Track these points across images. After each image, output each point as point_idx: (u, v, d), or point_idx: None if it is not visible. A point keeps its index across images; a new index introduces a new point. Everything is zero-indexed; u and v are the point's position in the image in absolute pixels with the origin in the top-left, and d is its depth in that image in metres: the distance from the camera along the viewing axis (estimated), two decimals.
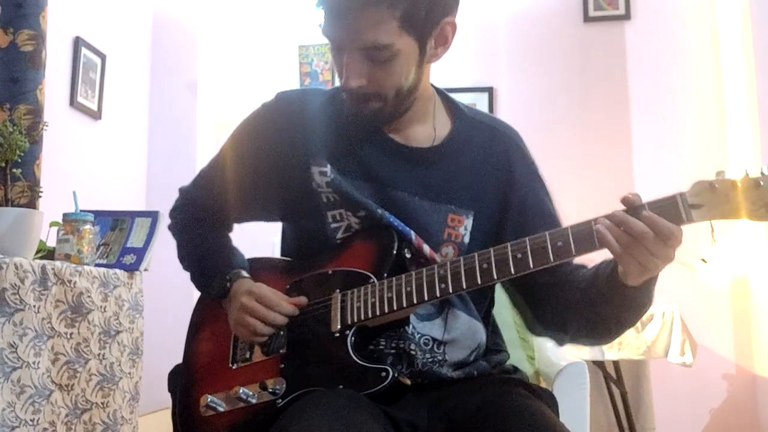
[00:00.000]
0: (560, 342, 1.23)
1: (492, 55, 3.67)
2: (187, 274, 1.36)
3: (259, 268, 1.30)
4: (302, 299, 1.18)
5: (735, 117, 3.44)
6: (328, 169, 1.21)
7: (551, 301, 1.17)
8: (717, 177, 0.94)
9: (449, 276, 1.06)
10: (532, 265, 1.00)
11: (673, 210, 0.94)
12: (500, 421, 1.03)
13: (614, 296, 1.05)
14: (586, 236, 0.98)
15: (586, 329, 1.15)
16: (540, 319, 1.23)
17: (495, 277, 1.03)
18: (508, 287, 1.26)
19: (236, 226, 1.41)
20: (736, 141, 3.43)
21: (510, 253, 1.02)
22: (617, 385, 3.14)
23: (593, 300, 1.08)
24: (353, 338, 1.11)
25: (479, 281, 1.04)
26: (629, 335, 2.89)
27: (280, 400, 1.12)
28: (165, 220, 1.44)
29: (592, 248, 0.98)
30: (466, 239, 1.19)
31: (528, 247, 1.01)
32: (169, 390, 1.30)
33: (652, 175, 3.50)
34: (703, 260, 3.38)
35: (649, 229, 0.93)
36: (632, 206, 0.96)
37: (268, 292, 1.18)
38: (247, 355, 1.20)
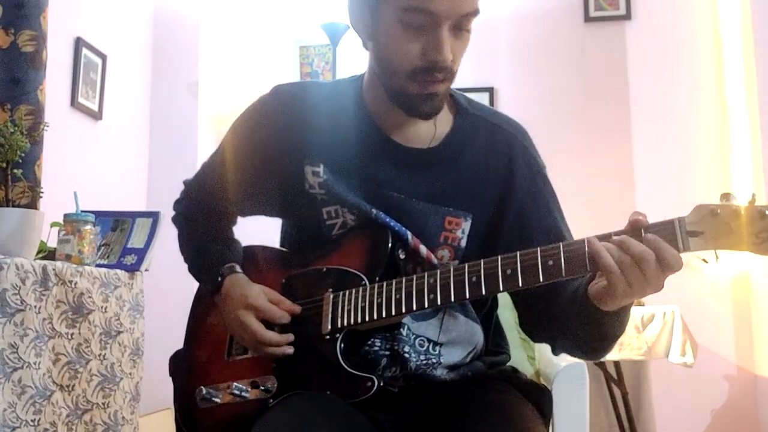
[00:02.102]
0: (553, 351, 1.21)
1: (492, 55, 3.67)
2: (187, 274, 1.37)
3: (255, 259, 1.29)
4: (296, 308, 1.17)
5: (736, 116, 3.43)
6: (321, 169, 1.19)
7: (541, 312, 1.15)
8: (721, 201, 0.89)
9: (438, 287, 1.04)
10: (521, 283, 0.97)
11: (669, 236, 0.90)
12: (463, 419, 1.04)
13: (587, 319, 1.02)
14: (578, 258, 0.94)
15: (569, 345, 1.14)
16: (531, 326, 1.21)
17: (483, 292, 1.01)
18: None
19: (240, 219, 1.41)
20: (738, 140, 3.42)
21: (500, 268, 0.99)
22: (618, 386, 3.14)
23: (571, 319, 1.06)
24: (342, 344, 1.10)
25: (467, 295, 1.02)
26: (630, 336, 2.89)
27: (271, 400, 1.12)
28: (166, 221, 1.45)
29: (583, 271, 0.95)
30: (463, 242, 1.16)
31: (518, 263, 0.98)
32: (170, 374, 1.31)
33: (653, 175, 3.50)
34: (704, 260, 3.37)
35: (651, 252, 0.90)
36: (637, 227, 0.92)
37: (265, 306, 1.16)
38: (242, 350, 1.20)
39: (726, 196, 0.89)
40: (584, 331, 1.04)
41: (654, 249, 0.90)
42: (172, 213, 1.43)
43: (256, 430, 1.03)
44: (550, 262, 0.96)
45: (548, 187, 1.22)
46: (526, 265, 0.97)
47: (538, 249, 0.97)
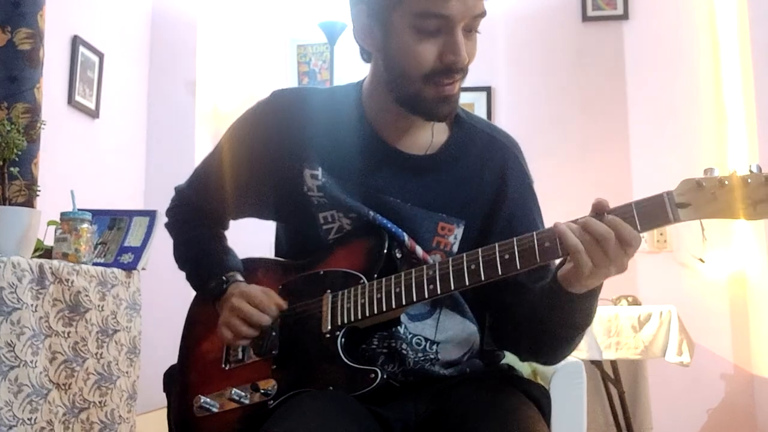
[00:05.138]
0: (519, 356, 1.22)
1: (490, 55, 3.67)
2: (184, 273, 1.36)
3: (253, 268, 1.30)
4: (282, 303, 1.18)
5: (733, 116, 3.44)
6: (319, 172, 1.19)
7: (507, 322, 1.17)
8: (704, 175, 0.93)
9: (437, 277, 1.05)
10: (519, 266, 1.00)
11: (660, 209, 0.94)
12: (469, 421, 1.05)
13: (555, 305, 1.04)
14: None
15: (532, 346, 1.16)
16: (494, 338, 1.23)
17: (483, 278, 1.02)
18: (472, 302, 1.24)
19: (234, 224, 1.41)
20: (735, 140, 3.43)
21: (498, 254, 1.01)
22: (615, 385, 3.14)
23: (539, 311, 1.08)
24: (343, 340, 1.11)
25: (467, 282, 1.03)
26: (627, 335, 2.89)
27: (272, 402, 1.12)
28: (163, 219, 1.45)
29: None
30: (455, 248, 1.18)
31: (515, 248, 1.00)
32: (164, 390, 1.30)
33: (650, 175, 3.50)
34: (700, 260, 3.39)
35: (612, 232, 0.94)
36: (600, 210, 0.97)
37: (258, 293, 1.18)
38: (240, 356, 1.20)
39: (709, 170, 0.93)
40: (552, 320, 1.07)
41: (614, 228, 0.94)
42: (166, 220, 1.42)
43: (273, 428, 1.00)
44: (547, 244, 0.99)
45: (535, 199, 1.26)
46: (523, 249, 1.00)
47: (534, 233, 1.00)
